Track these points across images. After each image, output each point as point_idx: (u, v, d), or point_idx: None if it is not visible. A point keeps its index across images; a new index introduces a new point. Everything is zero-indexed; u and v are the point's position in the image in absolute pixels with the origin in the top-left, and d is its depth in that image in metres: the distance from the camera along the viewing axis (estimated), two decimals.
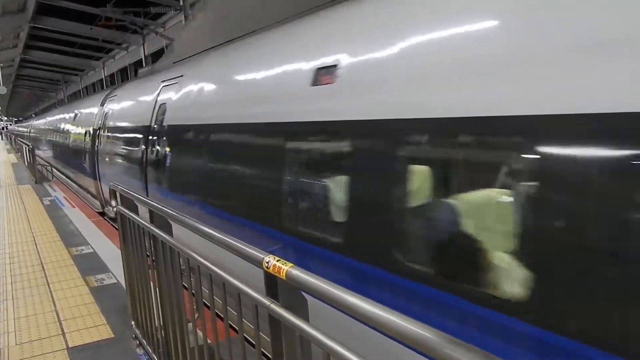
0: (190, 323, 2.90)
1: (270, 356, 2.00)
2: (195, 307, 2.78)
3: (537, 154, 1.99)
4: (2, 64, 27.44)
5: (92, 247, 7.12)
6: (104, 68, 36.82)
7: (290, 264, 1.73)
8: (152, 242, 3.17)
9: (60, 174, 18.19)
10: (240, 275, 2.13)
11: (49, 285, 5.55)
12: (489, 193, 2.26)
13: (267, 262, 1.81)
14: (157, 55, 26.42)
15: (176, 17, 21.64)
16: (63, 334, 4.29)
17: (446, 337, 1.13)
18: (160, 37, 22.68)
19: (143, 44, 26.78)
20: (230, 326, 2.36)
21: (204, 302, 2.72)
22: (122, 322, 4.39)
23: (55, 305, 4.94)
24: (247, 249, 2.00)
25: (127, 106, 9.05)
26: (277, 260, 1.78)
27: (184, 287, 2.88)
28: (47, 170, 19.18)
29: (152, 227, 3.10)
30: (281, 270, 1.73)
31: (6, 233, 8.29)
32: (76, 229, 8.41)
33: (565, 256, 1.88)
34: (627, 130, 1.74)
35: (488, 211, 2.29)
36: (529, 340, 1.98)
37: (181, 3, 20.00)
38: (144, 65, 27.25)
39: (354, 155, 2.96)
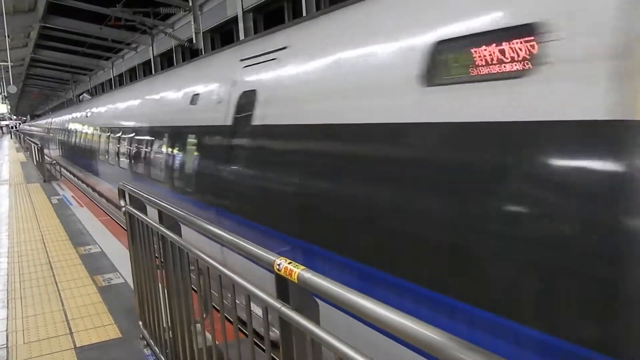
0: (199, 324, 2.88)
1: (277, 358, 1.98)
2: (203, 308, 2.77)
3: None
4: (12, 63, 27.62)
5: (99, 247, 7.14)
6: (112, 68, 36.99)
7: (302, 267, 1.71)
8: (160, 242, 3.17)
9: None
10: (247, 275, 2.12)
11: (57, 284, 5.57)
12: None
13: (279, 265, 1.79)
14: (165, 56, 26.57)
15: (185, 18, 21.69)
16: (71, 333, 4.30)
17: (469, 345, 1.10)
18: (169, 38, 22.75)
19: (152, 45, 26.88)
20: (239, 328, 2.35)
21: (213, 305, 2.71)
22: (129, 322, 4.39)
23: (63, 305, 4.95)
24: (258, 250, 1.98)
25: None
26: (289, 263, 1.76)
27: (193, 289, 2.87)
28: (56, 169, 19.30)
29: (161, 228, 3.10)
30: (293, 273, 1.71)
31: (15, 231, 8.34)
32: (84, 228, 8.44)
33: None
34: None
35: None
36: None
37: (190, 4, 20.06)
38: (152, 66, 27.40)
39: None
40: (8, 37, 22.51)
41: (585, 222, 1.92)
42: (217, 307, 2.71)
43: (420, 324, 1.24)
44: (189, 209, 4.47)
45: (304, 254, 3.57)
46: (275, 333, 1.95)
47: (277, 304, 1.83)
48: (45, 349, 4.01)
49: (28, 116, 70.85)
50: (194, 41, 19.94)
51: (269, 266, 1.85)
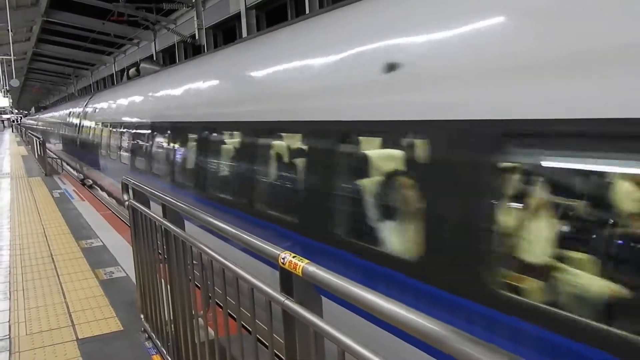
0: (201, 318, 2.91)
1: (278, 353, 2.00)
2: (206, 301, 2.80)
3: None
4: (14, 57, 27.65)
5: (101, 241, 7.17)
6: (114, 63, 37.01)
7: (307, 261, 1.73)
8: (164, 236, 3.19)
9: None
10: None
11: (58, 277, 5.60)
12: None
13: (283, 258, 1.82)
14: (167, 52, 26.59)
15: (188, 14, 21.71)
16: (73, 325, 4.33)
17: (470, 337, 1.13)
18: (171, 34, 22.76)
19: (154, 40, 26.90)
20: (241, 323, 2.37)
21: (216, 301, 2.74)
22: (131, 315, 4.42)
23: (64, 297, 4.98)
24: (262, 244, 2.01)
25: None
26: (293, 257, 1.79)
27: (197, 286, 2.89)
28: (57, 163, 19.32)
29: (164, 221, 3.13)
30: (297, 267, 1.74)
31: (17, 224, 8.37)
32: (85, 222, 8.47)
33: None
34: None
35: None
36: None
37: (193, 0, 20.08)
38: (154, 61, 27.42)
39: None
40: (11, 31, 22.52)
41: None
42: (220, 303, 2.73)
43: (423, 317, 1.27)
44: None
45: None
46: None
47: (281, 298, 1.85)
48: (47, 341, 4.04)
49: (32, 108, 67.92)
50: (197, 37, 19.96)
51: (273, 260, 1.88)
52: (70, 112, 19.34)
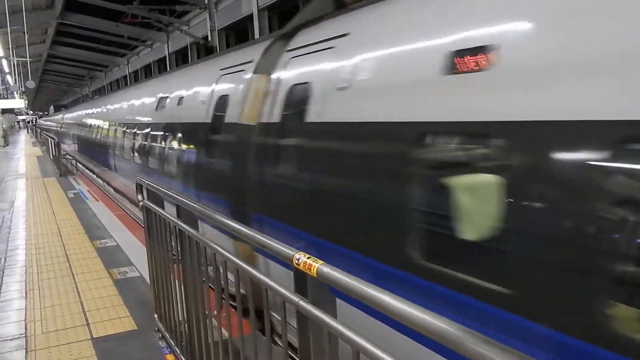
0: (214, 318, 2.93)
1: (292, 354, 2.01)
2: (219, 302, 2.81)
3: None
4: (30, 59, 28.03)
5: (115, 241, 7.23)
6: (128, 65, 37.38)
7: (321, 262, 1.74)
8: (178, 236, 3.22)
9: None
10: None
11: (73, 277, 5.66)
12: None
13: (298, 259, 1.82)
14: (180, 53, 26.77)
15: (200, 16, 21.84)
16: (87, 324, 4.37)
17: (485, 338, 1.12)
18: (184, 35, 22.92)
19: (167, 42, 27.11)
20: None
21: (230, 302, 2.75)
22: (144, 315, 4.46)
23: (79, 296, 5.04)
24: (277, 245, 2.02)
25: None
26: (308, 258, 1.79)
27: (210, 287, 2.91)
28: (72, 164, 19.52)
29: (179, 222, 3.15)
30: (312, 268, 1.74)
31: (32, 224, 8.48)
32: (99, 222, 8.56)
33: None
34: None
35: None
36: None
37: (206, 1, 20.20)
38: (167, 63, 27.61)
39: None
40: (26, 33, 22.85)
41: None
42: (233, 304, 2.74)
43: (438, 318, 1.26)
44: None
45: None
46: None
47: (295, 298, 1.86)
48: (63, 339, 4.09)
49: (51, 107, 66.24)
50: (209, 39, 20.09)
51: (288, 260, 1.88)
52: (165, 102, 8.27)
